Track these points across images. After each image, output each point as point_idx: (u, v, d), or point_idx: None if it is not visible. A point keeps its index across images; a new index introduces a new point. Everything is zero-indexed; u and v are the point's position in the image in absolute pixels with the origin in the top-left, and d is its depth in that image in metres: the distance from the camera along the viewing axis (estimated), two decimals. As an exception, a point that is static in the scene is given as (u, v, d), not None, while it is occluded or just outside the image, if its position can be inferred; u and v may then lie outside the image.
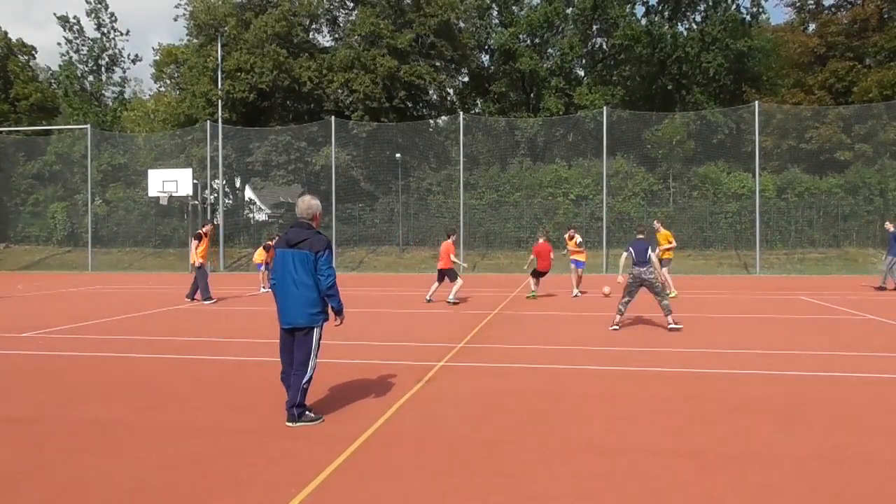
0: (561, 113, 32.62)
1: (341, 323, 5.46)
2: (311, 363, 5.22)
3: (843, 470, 4.22)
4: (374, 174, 31.36)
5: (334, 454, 4.46)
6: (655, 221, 16.67)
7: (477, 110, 36.45)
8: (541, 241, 15.30)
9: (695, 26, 34.78)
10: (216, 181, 31.20)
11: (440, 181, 30.90)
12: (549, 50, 36.14)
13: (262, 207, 40.76)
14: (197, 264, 14.80)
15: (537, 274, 15.27)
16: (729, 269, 25.40)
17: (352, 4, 35.52)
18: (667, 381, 6.82)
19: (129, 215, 32.75)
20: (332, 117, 28.88)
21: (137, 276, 25.17)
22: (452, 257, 14.29)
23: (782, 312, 12.69)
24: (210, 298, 14.82)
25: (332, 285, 5.21)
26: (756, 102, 26.33)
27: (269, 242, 19.57)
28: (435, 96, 36.48)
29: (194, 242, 14.93)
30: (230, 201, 34.00)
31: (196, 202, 27.93)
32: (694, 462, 4.35)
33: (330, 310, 5.35)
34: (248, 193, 38.78)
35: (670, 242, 15.92)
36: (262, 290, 18.45)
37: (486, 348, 8.77)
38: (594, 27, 36.01)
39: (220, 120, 30.29)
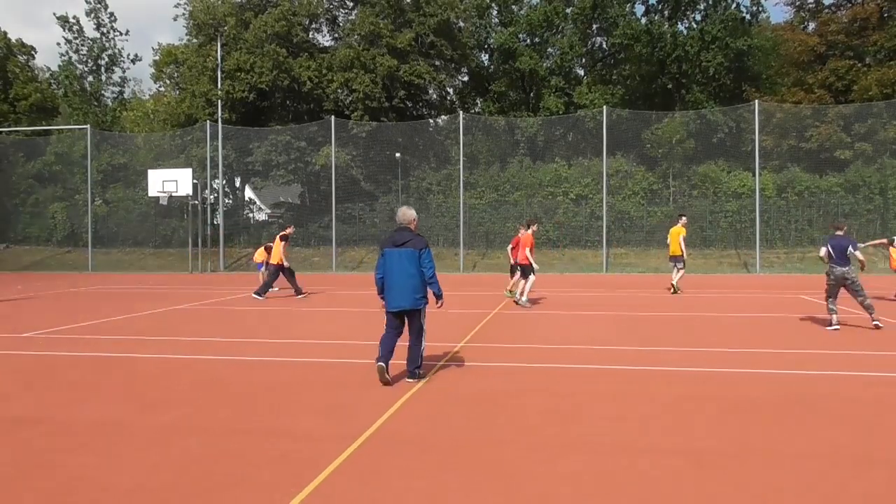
0: (561, 112, 32.60)
1: (441, 305, 6.81)
2: (423, 336, 6.70)
3: (844, 469, 4.22)
4: (373, 174, 31.35)
5: (334, 454, 4.46)
6: (682, 217, 16.77)
7: (477, 110, 36.43)
8: (523, 232, 14.33)
9: (695, 25, 34.73)
10: (216, 181, 31.17)
11: (440, 181, 30.88)
12: (549, 49, 36.11)
13: (262, 207, 40.79)
14: (285, 265, 15.86)
15: (516, 270, 14.48)
16: (729, 268, 25.41)
17: (351, 4, 35.50)
18: (667, 380, 6.82)
19: (129, 215, 32.73)
20: (332, 117, 28.87)
21: (138, 277, 25.17)
22: (527, 252, 13.16)
23: (783, 311, 12.69)
24: (301, 292, 16.03)
25: (433, 275, 6.51)
26: (756, 101, 26.32)
27: (270, 244, 19.56)
28: (435, 96, 36.45)
29: (281, 243, 15.86)
30: (230, 201, 34.00)
31: (196, 202, 27.92)
32: (694, 461, 4.35)
33: (431, 295, 6.64)
34: (248, 193, 38.77)
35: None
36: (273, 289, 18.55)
37: (487, 347, 8.76)
38: (594, 26, 35.98)
39: (219, 120, 30.28)
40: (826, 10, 35.47)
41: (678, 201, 29.03)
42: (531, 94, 36.39)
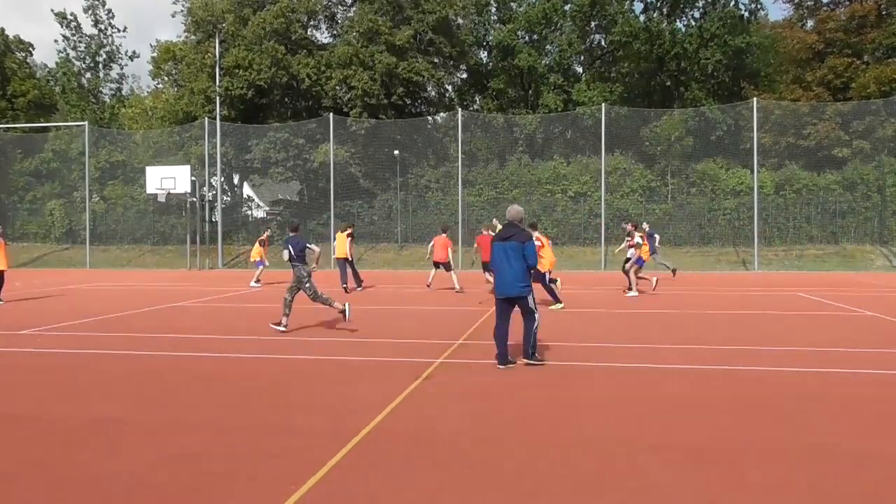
0: (559, 110, 32.59)
1: (533, 272, 7.56)
2: (535, 315, 7.25)
3: (842, 466, 4.23)
4: (372, 171, 31.32)
5: (332, 451, 4.47)
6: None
7: (475, 107, 36.39)
8: (485, 232, 14.88)
9: (693, 22, 34.71)
10: (214, 178, 31.14)
11: (439, 178, 30.87)
12: (548, 46, 36.07)
13: (261, 204, 40.72)
14: (350, 258, 17.00)
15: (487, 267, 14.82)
16: (727, 266, 25.45)
17: (350, 1, 35.45)
18: (666, 377, 6.83)
19: (128, 212, 32.69)
20: (331, 114, 28.84)
21: (136, 274, 25.15)
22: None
23: (781, 309, 12.72)
24: (361, 284, 17.14)
25: (535, 263, 7.26)
26: (754, 99, 26.35)
27: (264, 238, 19.75)
28: (433, 93, 36.40)
29: (348, 240, 16.91)
30: (228, 198, 33.95)
31: (194, 199, 27.90)
32: (693, 459, 4.36)
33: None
34: (247, 190, 38.72)
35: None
36: (255, 284, 18.82)
37: (485, 345, 8.77)
38: (592, 23, 35.92)
39: (218, 117, 30.24)
40: (825, 8, 35.49)
41: (676, 199, 29.05)
42: (530, 92, 36.36)
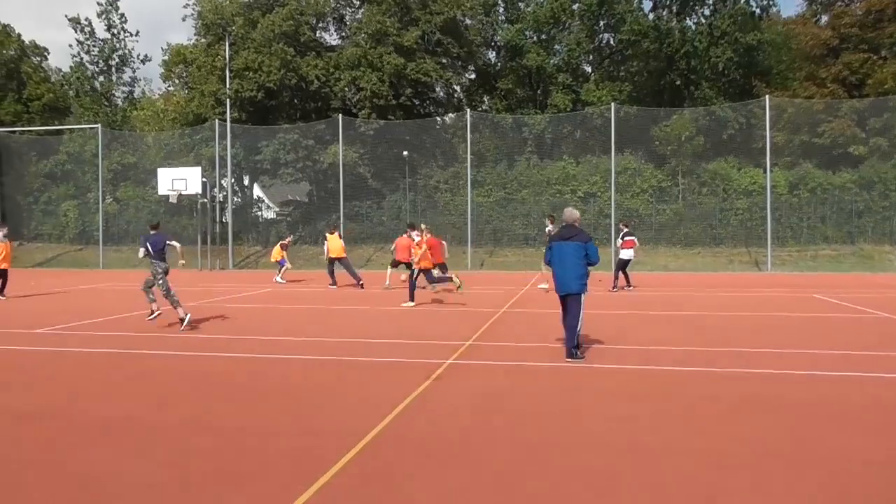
0: (568, 109, 32.47)
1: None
2: (581, 315, 7.58)
3: (855, 470, 4.16)
4: (381, 172, 31.34)
5: (342, 451, 4.45)
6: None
7: (484, 107, 36.34)
8: (428, 235, 15.11)
9: (703, 20, 34.48)
10: (225, 179, 31.29)
11: (447, 179, 30.84)
12: (556, 46, 35.97)
13: (271, 205, 40.86)
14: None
15: (441, 267, 15.67)
16: (739, 267, 25.22)
17: (358, 3, 35.49)
18: (678, 379, 6.77)
19: (140, 213, 32.88)
20: (340, 115, 28.89)
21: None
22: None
23: (796, 311, 12.58)
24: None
25: (597, 261, 7.64)
26: (766, 97, 26.09)
27: (286, 241, 20.77)
28: (442, 94, 36.40)
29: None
30: (239, 199, 34.11)
31: (205, 200, 28.02)
32: (703, 461, 4.31)
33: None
34: (257, 191, 38.87)
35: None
36: (279, 280, 20.01)
37: (495, 346, 8.73)
38: (601, 22, 35.78)
39: (228, 119, 30.37)
40: (839, 3, 35.05)
41: (687, 199, 28.85)
42: (538, 92, 36.27)
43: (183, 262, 10.99)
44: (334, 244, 17.91)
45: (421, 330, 10.28)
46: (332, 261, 18.00)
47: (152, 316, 10.44)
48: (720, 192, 28.19)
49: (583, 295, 7.58)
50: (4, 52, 40.46)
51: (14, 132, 34.62)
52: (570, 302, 7.61)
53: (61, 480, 4.08)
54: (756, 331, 9.87)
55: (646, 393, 6.09)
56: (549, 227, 16.05)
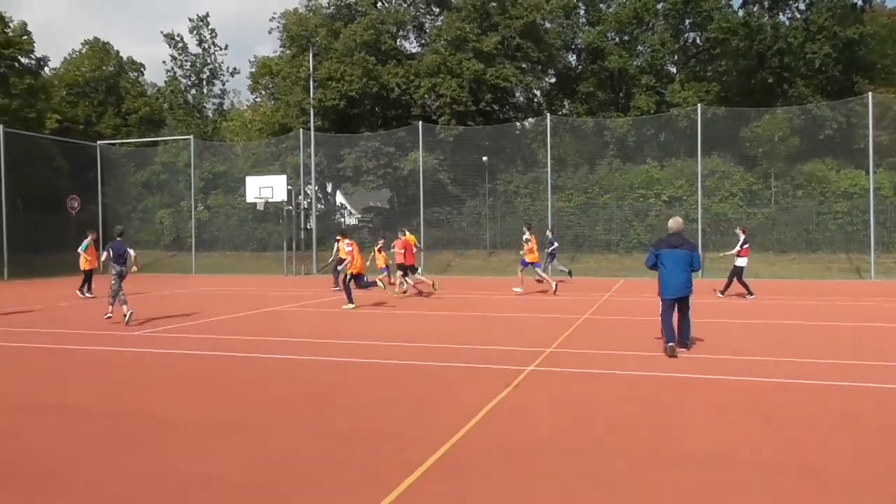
0: (652, 112, 31.54)
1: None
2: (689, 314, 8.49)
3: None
4: (461, 177, 31.41)
5: (421, 459, 4.41)
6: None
7: (564, 111, 35.83)
8: (404, 237, 16.82)
9: (798, 15, 32.73)
10: (309, 187, 32.20)
11: (527, 184, 30.57)
12: (639, 47, 35.05)
13: (353, 212, 41.73)
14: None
15: (403, 268, 16.71)
16: (839, 274, 23.67)
17: (437, 10, 35.82)
18: (770, 391, 6.37)
19: (229, 220, 34.33)
20: (420, 122, 29.18)
21: (237, 279, 26.33)
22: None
23: (903, 320, 11.66)
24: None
25: (699, 268, 8.49)
26: (869, 94, 24.40)
27: (380, 245, 20.45)
28: (521, 98, 36.16)
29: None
30: (322, 206, 35.01)
31: (290, 207, 28.93)
32: (804, 479, 4.00)
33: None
34: (340, 198, 39.82)
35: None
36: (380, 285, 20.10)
37: (576, 354, 8.52)
38: (686, 21, 34.59)
39: (312, 128, 31.26)
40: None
41: (780, 202, 27.40)
42: (621, 94, 35.43)
43: (136, 268, 12.39)
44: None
45: (500, 336, 10.15)
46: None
47: (125, 316, 11.30)
48: (817, 196, 26.62)
49: (690, 296, 8.45)
50: (105, 68, 43.33)
51: (114, 144, 36.92)
52: (681, 304, 8.39)
53: (149, 479, 4.22)
54: (859, 342, 9.18)
55: (733, 404, 5.75)
56: (527, 235, 16.84)
